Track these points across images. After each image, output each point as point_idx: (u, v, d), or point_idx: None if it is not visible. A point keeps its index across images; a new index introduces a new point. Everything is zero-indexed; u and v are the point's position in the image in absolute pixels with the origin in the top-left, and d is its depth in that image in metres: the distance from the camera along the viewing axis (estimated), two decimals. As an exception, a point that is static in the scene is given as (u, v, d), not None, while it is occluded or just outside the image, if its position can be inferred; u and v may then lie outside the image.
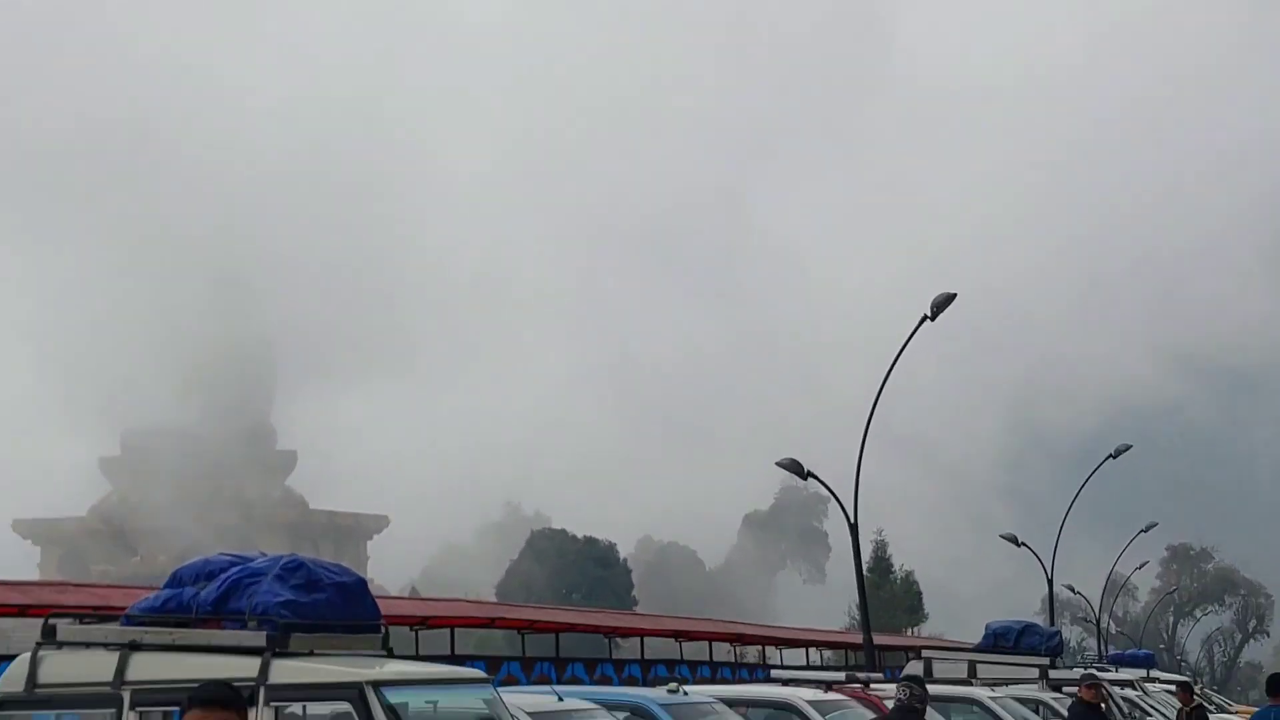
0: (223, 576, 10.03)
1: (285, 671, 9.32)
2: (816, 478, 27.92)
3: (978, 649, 23.02)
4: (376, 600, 10.81)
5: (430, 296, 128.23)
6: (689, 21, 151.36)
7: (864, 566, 30.35)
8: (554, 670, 25.21)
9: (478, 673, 10.94)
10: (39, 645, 9.88)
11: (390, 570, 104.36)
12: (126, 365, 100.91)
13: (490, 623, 21.40)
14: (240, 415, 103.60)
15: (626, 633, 31.72)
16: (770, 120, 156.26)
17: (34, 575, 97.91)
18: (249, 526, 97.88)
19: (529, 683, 24.24)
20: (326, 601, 10.02)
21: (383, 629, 10.46)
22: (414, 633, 22.83)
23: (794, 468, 28.10)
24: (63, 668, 9.75)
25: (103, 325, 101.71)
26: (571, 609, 36.10)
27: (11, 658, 10.27)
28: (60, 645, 9.89)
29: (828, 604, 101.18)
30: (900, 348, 27.28)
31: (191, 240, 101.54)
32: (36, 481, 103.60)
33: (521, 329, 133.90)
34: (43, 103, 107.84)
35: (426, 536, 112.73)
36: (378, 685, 9.21)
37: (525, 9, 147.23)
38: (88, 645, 9.92)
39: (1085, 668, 28.11)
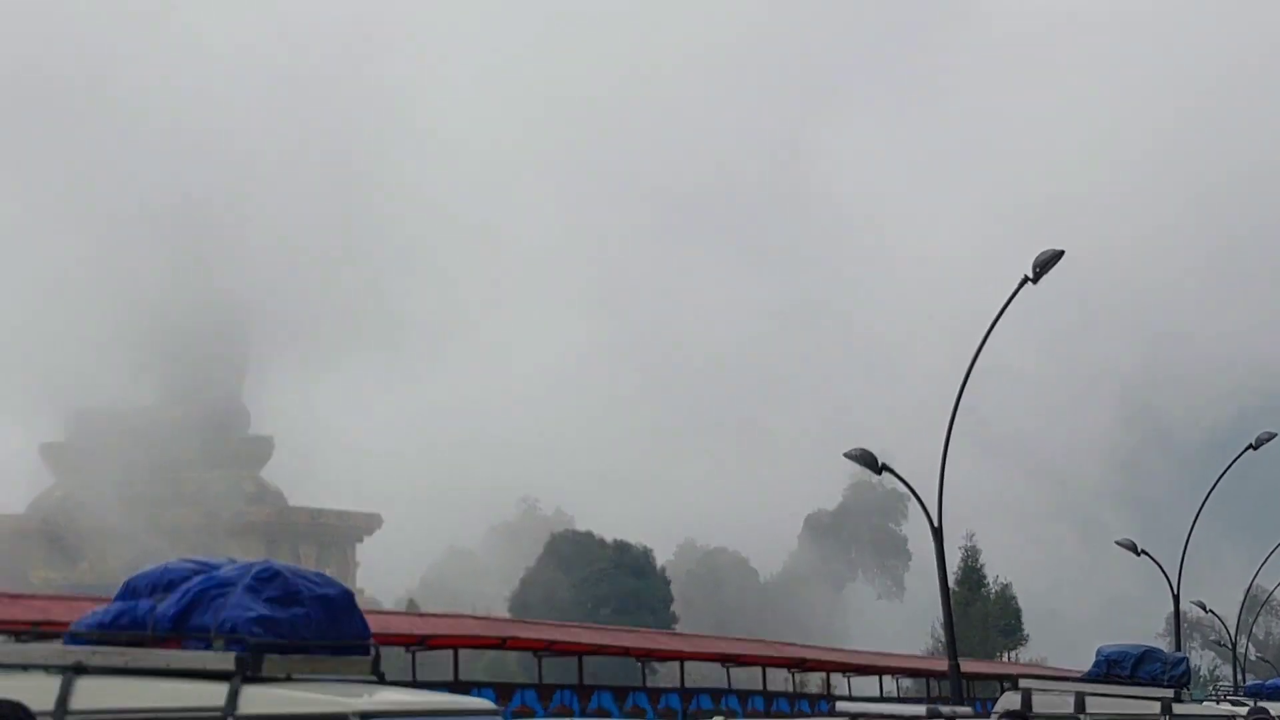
0: (184, 587, 10.03)
1: (257, 700, 9.32)
2: (892, 471, 27.89)
3: (1086, 678, 23.00)
4: (366, 616, 10.85)
5: (423, 262, 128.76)
6: None
7: (951, 579, 30.33)
8: (577, 700, 25.27)
9: (485, 703, 10.96)
10: (-36, 671, 9.89)
11: (383, 579, 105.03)
12: (73, 337, 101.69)
13: (501, 643, 21.51)
14: (205, 396, 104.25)
15: (663, 656, 31.84)
16: (831, 63, 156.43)
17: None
18: (215, 527, 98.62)
19: (546, 714, 24.37)
20: (306, 617, 10.01)
21: (373, 650, 10.48)
22: (410, 654, 22.92)
23: (865, 459, 28.09)
24: None
25: (45, 291, 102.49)
26: (598, 627, 36.22)
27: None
28: (-11, 670, 9.91)
29: (906, 623, 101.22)
30: (994, 319, 27.16)
31: (150, 197, 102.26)
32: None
33: (535, 301, 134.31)
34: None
35: (426, 539, 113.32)
36: (366, 716, 9.23)
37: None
38: (24, 668, 9.93)
39: (1218, 699, 28.02)
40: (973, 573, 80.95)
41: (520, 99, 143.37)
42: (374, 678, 10.17)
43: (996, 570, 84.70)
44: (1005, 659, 73.48)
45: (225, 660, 9.37)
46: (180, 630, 9.69)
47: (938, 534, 27.98)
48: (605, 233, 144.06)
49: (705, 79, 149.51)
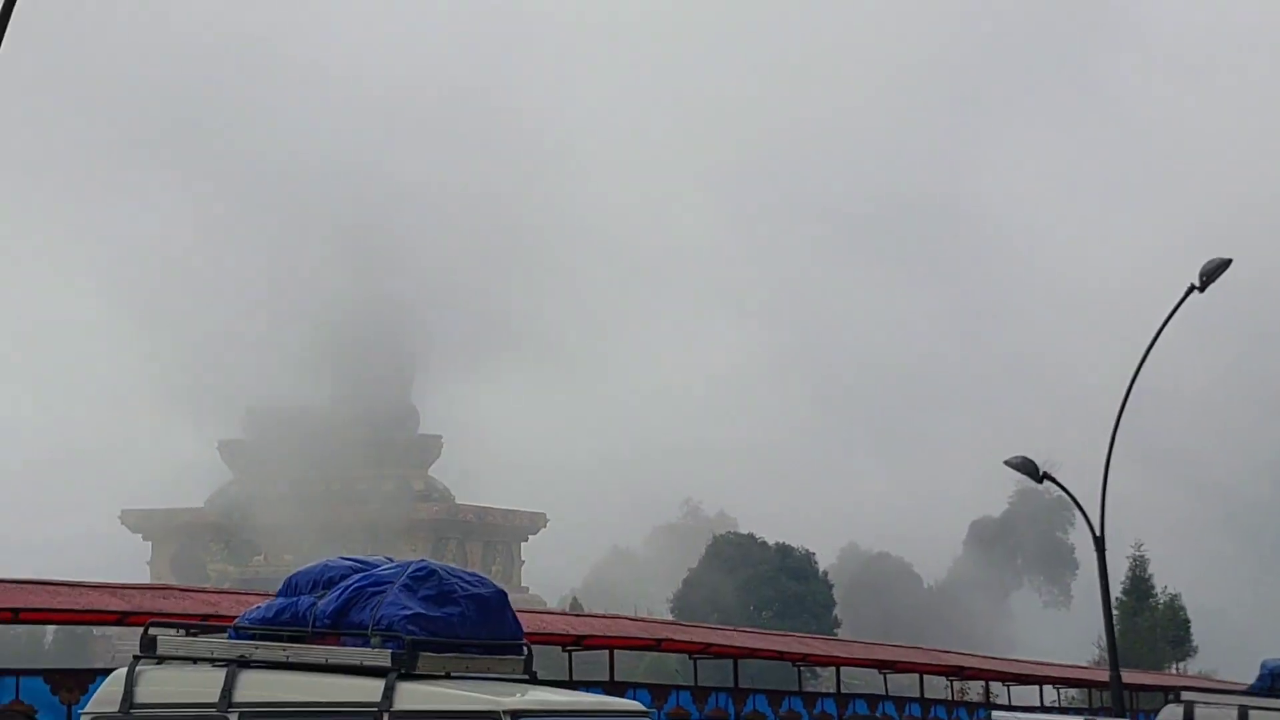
0: (343, 585, 10.24)
1: (412, 696, 9.46)
2: (1053, 479, 27.61)
3: (1250, 691, 22.60)
4: (524, 615, 10.98)
5: (596, 270, 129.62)
6: None
7: (1118, 588, 29.93)
8: (731, 703, 25.30)
9: (634, 704, 10.98)
10: (137, 659, 10.17)
11: (548, 578, 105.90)
12: (251, 339, 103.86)
13: (656, 644, 21.60)
14: (376, 396, 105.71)
15: (819, 661, 31.70)
16: (990, 71, 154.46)
17: (142, 574, 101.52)
18: (385, 524, 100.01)
19: (701, 716, 24.44)
20: (460, 616, 10.16)
21: (526, 649, 10.61)
22: (568, 654, 23.16)
23: (1026, 467, 27.84)
24: (163, 685, 10.01)
25: (225, 295, 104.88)
26: (754, 631, 36.14)
27: (109, 671, 10.63)
28: (161, 660, 10.15)
29: (1073, 632, 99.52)
30: (1159, 328, 26.76)
31: (319, 197, 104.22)
32: (148, 467, 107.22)
33: (698, 310, 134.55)
34: (142, 42, 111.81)
35: (590, 539, 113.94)
36: (517, 715, 9.32)
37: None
38: (192, 660, 10.21)
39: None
40: (1140, 582, 79.29)
41: (686, 115, 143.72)
42: (526, 676, 10.33)
43: (1166, 580, 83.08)
44: (1173, 670, 72.02)
45: (381, 657, 9.58)
46: (339, 627, 9.94)
47: (1099, 542, 27.65)
48: (773, 246, 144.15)
49: (869, 94, 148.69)
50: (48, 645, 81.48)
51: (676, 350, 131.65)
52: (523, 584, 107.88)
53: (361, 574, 10.35)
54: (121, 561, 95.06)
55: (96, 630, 73.08)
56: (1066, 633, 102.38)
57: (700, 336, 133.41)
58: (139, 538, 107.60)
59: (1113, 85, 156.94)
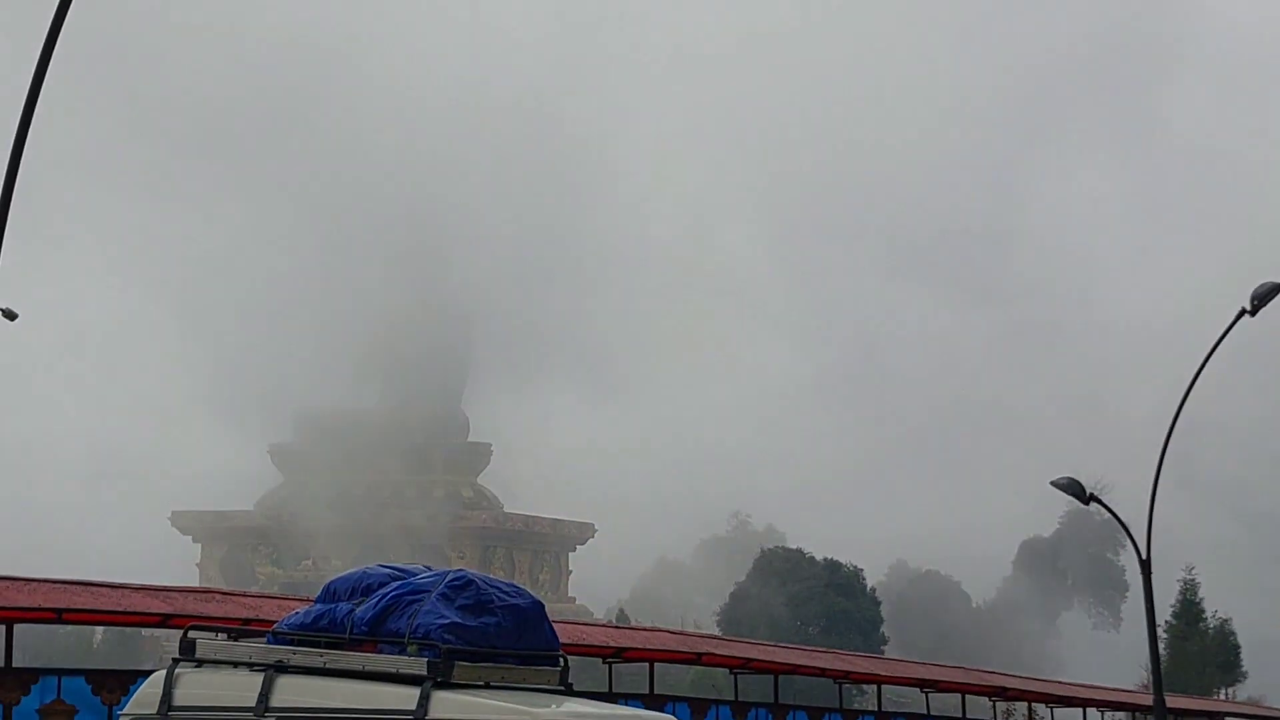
0: (381, 592, 10.34)
1: (447, 705, 9.53)
2: (1099, 501, 27.54)
3: (1293, 720, 22.48)
4: (565, 627, 11.05)
5: (646, 289, 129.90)
6: None
7: (1168, 612, 29.84)
8: (772, 718, 25.24)
9: (667, 718, 11.05)
10: (176, 662, 10.31)
11: (595, 588, 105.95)
12: (303, 342, 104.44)
13: (696, 658, 21.62)
14: (426, 402, 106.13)
15: (860, 679, 31.61)
16: (1044, 100, 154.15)
17: (191, 576, 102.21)
18: (434, 530, 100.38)
19: (741, 732, 24.44)
20: (497, 626, 10.22)
21: (562, 661, 10.68)
22: (608, 666, 23.19)
23: (1073, 489, 27.74)
24: (201, 689, 10.12)
25: (277, 298, 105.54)
26: (796, 647, 36.05)
27: (151, 673, 10.76)
28: (200, 663, 10.28)
29: (1122, 654, 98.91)
30: (1209, 351, 26.65)
31: (374, 205, 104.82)
32: (199, 469, 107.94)
33: (747, 330, 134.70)
34: (198, 59, 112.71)
35: (638, 550, 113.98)
36: (550, 726, 9.42)
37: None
38: (231, 664, 10.33)
39: None
40: (1191, 606, 78.77)
41: (741, 138, 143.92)
42: (563, 688, 10.39)
43: (1217, 604, 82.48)
44: (1221, 696, 71.50)
45: (418, 665, 9.66)
46: (376, 634, 10.03)
47: (1145, 565, 27.56)
48: (825, 270, 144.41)
49: (924, 122, 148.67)
50: (96, 645, 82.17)
51: (725, 369, 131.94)
52: (570, 594, 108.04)
53: (400, 582, 10.43)
54: (170, 564, 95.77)
55: (145, 631, 73.63)
56: (1116, 655, 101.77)
57: (749, 356, 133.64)
58: (189, 539, 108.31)
59: (1165, 115, 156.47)
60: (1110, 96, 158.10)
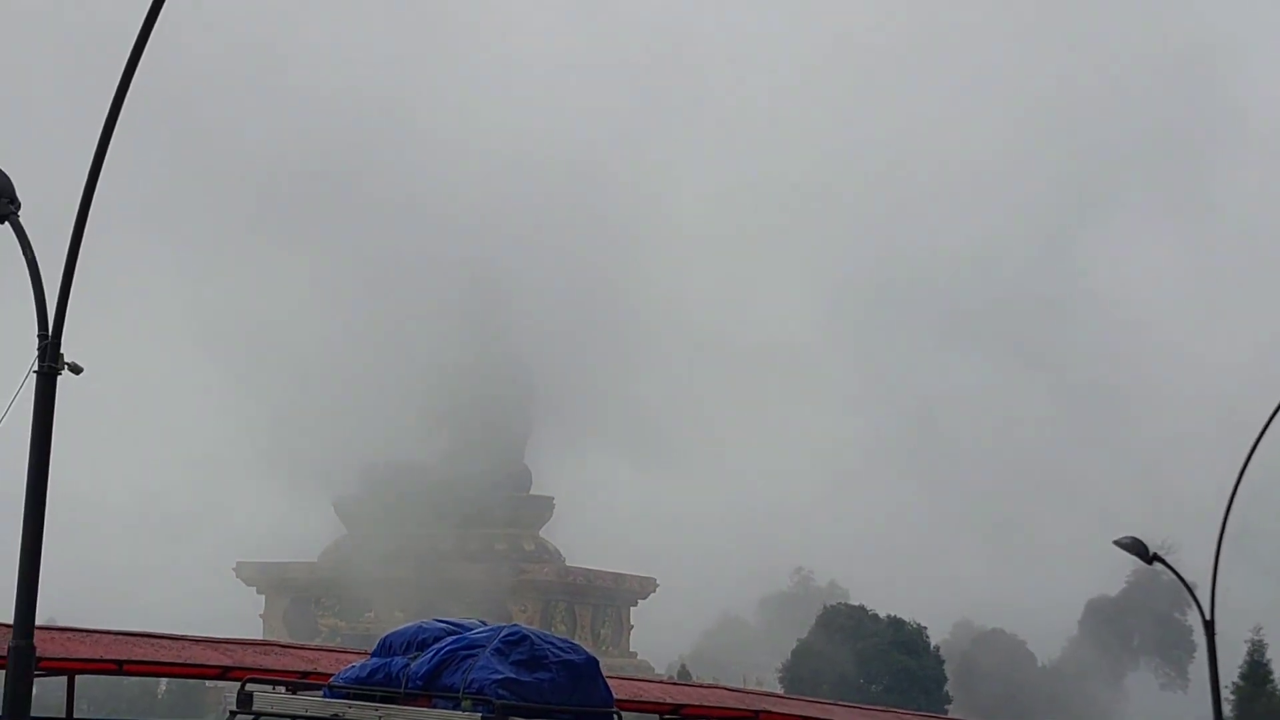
0: (436, 647, 10.44)
1: (501, 759, 9.64)
2: (1163, 561, 27.35)
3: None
4: (621, 683, 11.10)
5: (688, 347, 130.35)
6: (1005, 59, 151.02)
7: (1234, 673, 29.59)
8: (828, 777, 25.09)
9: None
10: (233, 714, 10.46)
11: (658, 644, 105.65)
12: (364, 396, 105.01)
13: (754, 716, 21.51)
14: (490, 456, 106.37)
15: (923, 737, 31.32)
16: (1102, 165, 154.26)
17: (256, 626, 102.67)
18: (496, 583, 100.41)
19: (799, 791, 24.27)
20: (551, 682, 10.29)
21: (616, 717, 10.71)
22: (665, 723, 23.10)
23: (1136, 548, 27.56)
24: None
25: (333, 352, 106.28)
26: (856, 706, 35.80)
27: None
28: (257, 715, 10.44)
29: (1189, 715, 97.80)
30: (1271, 415, 26.48)
31: (429, 259, 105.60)
32: (262, 522, 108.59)
33: (798, 390, 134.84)
34: (255, 119, 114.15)
35: (701, 605, 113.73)
36: (602, 782, 9.47)
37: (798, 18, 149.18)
38: (289, 717, 10.43)
39: None
40: (1258, 668, 77.77)
41: (793, 205, 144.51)
42: (615, 744, 10.42)
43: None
44: (1291, 760, 70.38)
45: (472, 720, 9.74)
46: (430, 688, 10.12)
47: (1209, 626, 27.33)
48: (880, 335, 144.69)
49: (978, 186, 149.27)
50: (160, 696, 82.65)
51: (778, 433, 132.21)
52: (631, 649, 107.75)
53: (454, 636, 10.52)
54: (236, 615, 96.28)
55: (208, 683, 73.99)
56: (1182, 716, 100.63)
57: (803, 421, 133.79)
58: (253, 591, 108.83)
59: (1223, 179, 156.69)
60: (1166, 163, 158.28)
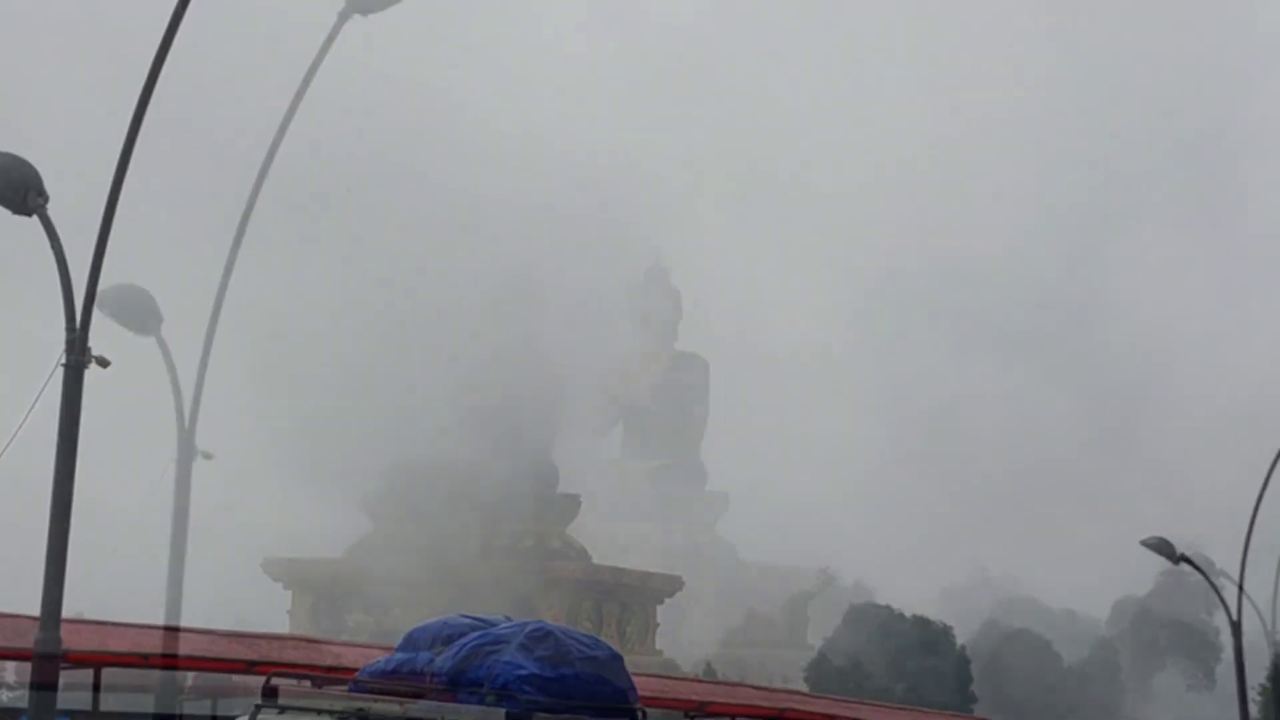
0: (461, 642, 10.40)
1: (525, 755, 9.60)
2: (1189, 561, 27.18)
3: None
4: (647, 681, 11.06)
5: (725, 361, 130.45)
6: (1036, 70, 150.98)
7: (1262, 674, 29.40)
8: (852, 775, 25.02)
9: (745, 773, 11.02)
10: (258, 708, 10.40)
11: (683, 642, 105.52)
12: (393, 390, 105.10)
13: (779, 714, 21.46)
14: (519, 451, 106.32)
15: (948, 736, 31.22)
16: (1128, 172, 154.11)
17: (283, 622, 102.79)
18: (523, 580, 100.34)
19: (824, 789, 24.24)
20: (575, 678, 10.26)
21: (640, 714, 10.66)
22: None
23: (1163, 549, 27.45)
24: None
25: (362, 347, 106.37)
26: (880, 705, 35.73)
27: (234, 720, 10.87)
28: (282, 710, 10.40)
29: (1216, 716, 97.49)
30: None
31: (461, 255, 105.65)
32: (291, 517, 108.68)
33: (819, 394, 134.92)
34: (283, 114, 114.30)
35: (727, 604, 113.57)
36: (625, 778, 9.42)
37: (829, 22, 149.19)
38: (313, 711, 10.39)
39: None
40: (1287, 670, 77.38)
41: (818, 213, 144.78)
42: (639, 740, 10.37)
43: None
44: (1319, 762, 70.00)
45: (495, 715, 9.68)
46: (455, 684, 10.09)
47: (1235, 627, 27.18)
48: (903, 343, 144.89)
49: (1004, 193, 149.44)
50: (188, 690, 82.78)
51: (807, 436, 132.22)
52: (657, 647, 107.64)
53: (479, 632, 10.49)
54: (263, 610, 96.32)
55: (235, 677, 74.05)
56: (1209, 718, 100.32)
57: (830, 424, 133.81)
58: (280, 586, 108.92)
59: (1247, 186, 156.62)
60: (1193, 170, 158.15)
